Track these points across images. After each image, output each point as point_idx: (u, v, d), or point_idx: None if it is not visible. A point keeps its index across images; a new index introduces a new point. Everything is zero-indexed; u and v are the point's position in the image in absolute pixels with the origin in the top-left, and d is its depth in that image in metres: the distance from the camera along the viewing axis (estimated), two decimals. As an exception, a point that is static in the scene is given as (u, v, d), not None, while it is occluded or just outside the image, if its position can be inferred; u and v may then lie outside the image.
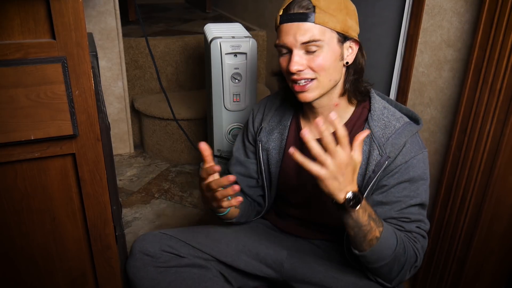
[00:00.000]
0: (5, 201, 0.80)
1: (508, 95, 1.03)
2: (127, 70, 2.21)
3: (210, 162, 0.86)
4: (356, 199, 0.78)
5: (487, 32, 1.05)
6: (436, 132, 1.29)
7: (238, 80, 1.58)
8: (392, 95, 1.42)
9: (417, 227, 0.91)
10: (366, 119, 0.94)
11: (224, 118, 1.65)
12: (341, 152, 0.73)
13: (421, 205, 0.91)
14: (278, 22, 0.89)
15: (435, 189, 1.29)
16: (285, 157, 1.04)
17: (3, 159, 0.76)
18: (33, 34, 0.71)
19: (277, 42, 0.90)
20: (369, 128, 0.92)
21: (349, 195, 0.77)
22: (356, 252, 0.86)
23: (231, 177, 0.83)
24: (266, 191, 1.10)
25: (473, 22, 1.12)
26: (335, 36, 0.87)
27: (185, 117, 2.09)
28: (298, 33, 0.85)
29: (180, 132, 2.10)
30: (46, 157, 0.80)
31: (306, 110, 1.01)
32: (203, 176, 0.87)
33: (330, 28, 0.86)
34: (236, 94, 1.60)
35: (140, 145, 2.38)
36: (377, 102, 0.95)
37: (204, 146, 0.85)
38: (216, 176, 0.87)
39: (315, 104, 0.95)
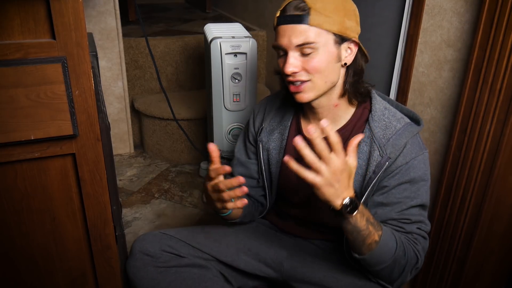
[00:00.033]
0: (5, 201, 0.80)
1: (508, 95, 1.03)
2: (127, 70, 2.21)
3: (217, 163, 0.86)
4: (353, 204, 0.78)
5: (487, 32, 1.05)
6: (436, 132, 1.29)
7: (238, 80, 1.58)
8: (392, 95, 1.42)
9: (418, 228, 0.90)
10: (367, 120, 0.94)
11: (224, 118, 1.65)
12: (336, 159, 0.73)
13: (421, 206, 0.91)
14: (275, 23, 0.89)
15: (435, 189, 1.29)
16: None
17: (3, 159, 0.76)
18: (33, 34, 0.71)
19: (274, 43, 0.90)
20: (370, 128, 0.92)
21: (346, 201, 0.77)
22: (356, 255, 0.86)
23: (241, 179, 0.83)
24: (267, 191, 1.10)
25: (473, 22, 1.12)
26: (331, 38, 0.86)
27: (185, 117, 2.09)
28: (293, 35, 0.85)
29: (180, 132, 2.10)
30: (46, 157, 0.80)
31: (307, 110, 1.01)
32: (211, 176, 0.87)
33: (325, 30, 0.85)
34: (236, 94, 1.60)
35: (140, 145, 2.38)
36: (378, 102, 0.95)
37: (213, 147, 0.85)
38: (222, 177, 0.87)
39: (314, 104, 0.95)
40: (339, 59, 0.89)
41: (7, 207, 0.81)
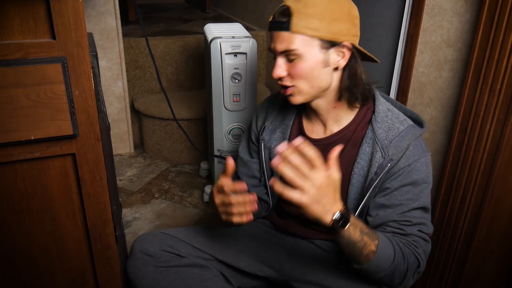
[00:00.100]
0: (5, 201, 0.80)
1: (508, 95, 1.03)
2: (127, 70, 2.21)
3: (230, 177, 0.87)
4: (344, 218, 0.76)
5: (487, 32, 1.05)
6: (436, 132, 1.30)
7: (238, 80, 1.58)
8: (392, 95, 1.42)
9: (419, 230, 0.89)
10: (370, 121, 0.93)
11: (224, 118, 1.65)
12: (317, 175, 0.71)
13: (424, 208, 0.90)
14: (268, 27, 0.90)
15: (435, 189, 1.29)
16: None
17: (3, 159, 0.76)
18: (33, 34, 0.71)
19: (268, 46, 0.92)
20: (373, 129, 0.92)
21: (336, 215, 0.75)
22: (355, 265, 0.85)
23: (254, 197, 0.85)
24: (268, 189, 1.10)
25: (473, 22, 1.12)
26: (316, 44, 0.85)
27: (185, 117, 2.09)
28: (277, 41, 0.87)
29: (180, 132, 2.10)
30: (46, 157, 0.80)
31: (308, 111, 1.01)
32: (227, 191, 0.87)
33: (309, 36, 0.84)
34: (236, 94, 1.60)
35: (140, 145, 2.38)
36: (382, 104, 0.94)
37: (231, 162, 0.86)
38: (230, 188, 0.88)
39: (313, 105, 0.95)
40: (326, 64, 0.87)
41: (7, 207, 0.81)
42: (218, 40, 1.53)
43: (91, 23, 1.95)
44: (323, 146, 0.97)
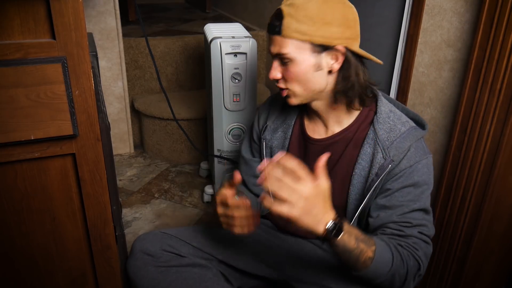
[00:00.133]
0: (5, 201, 0.80)
1: (508, 95, 1.03)
2: (127, 70, 2.21)
3: (234, 190, 0.88)
4: (338, 227, 0.75)
5: (487, 32, 1.05)
6: (436, 132, 1.30)
7: (238, 80, 1.58)
8: (392, 95, 1.42)
9: (419, 232, 0.88)
10: (372, 122, 0.93)
11: (224, 118, 1.65)
12: (303, 186, 0.70)
13: (425, 210, 0.89)
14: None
15: (435, 189, 1.29)
16: (288, 155, 1.04)
17: (3, 159, 0.76)
18: (33, 34, 0.71)
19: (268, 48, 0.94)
20: (374, 130, 0.91)
21: (329, 225, 0.74)
22: (353, 272, 0.84)
23: (258, 212, 0.86)
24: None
25: (473, 22, 1.12)
26: (307, 47, 0.85)
27: (185, 117, 2.09)
28: (272, 44, 0.89)
29: (180, 132, 2.10)
30: (46, 157, 0.80)
31: (309, 111, 1.01)
32: (232, 205, 0.87)
33: (300, 40, 0.84)
34: (236, 94, 1.60)
35: (140, 145, 2.38)
36: (384, 105, 0.94)
37: (238, 177, 0.87)
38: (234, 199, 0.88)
39: (312, 107, 0.96)
40: (318, 68, 0.87)
41: (7, 207, 0.81)
42: (218, 40, 1.53)
43: (91, 23, 1.95)
44: (325, 146, 0.97)
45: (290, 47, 0.85)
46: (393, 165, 0.87)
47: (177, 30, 2.59)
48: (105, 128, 0.84)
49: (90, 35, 1.31)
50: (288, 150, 1.03)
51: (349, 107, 0.93)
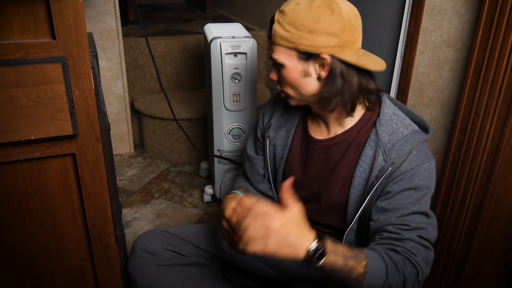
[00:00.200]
0: (5, 201, 0.80)
1: (508, 95, 1.03)
2: (127, 70, 2.21)
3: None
4: (320, 248, 0.72)
5: (487, 32, 1.05)
6: (436, 132, 1.30)
7: (238, 80, 1.58)
8: (392, 95, 1.42)
9: (419, 236, 0.84)
10: (374, 124, 0.93)
11: (224, 118, 1.65)
12: (270, 219, 0.69)
13: (425, 213, 0.87)
14: None
15: (435, 189, 1.29)
16: (290, 154, 1.04)
17: (3, 159, 0.76)
18: (33, 34, 0.71)
19: None
20: (376, 132, 0.91)
21: (312, 247, 0.72)
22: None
23: None
24: (272, 185, 1.10)
25: (473, 22, 1.12)
26: (293, 54, 0.86)
27: (185, 117, 2.09)
28: (269, 48, 0.92)
29: (180, 132, 2.10)
30: (46, 157, 0.80)
31: (312, 112, 1.01)
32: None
33: (286, 47, 0.87)
34: (236, 94, 1.60)
35: (140, 145, 2.38)
36: (387, 107, 0.93)
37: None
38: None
39: (312, 108, 0.97)
40: (306, 74, 0.88)
41: (7, 207, 0.81)
42: (218, 40, 1.53)
43: (91, 23, 1.95)
44: (327, 147, 0.97)
45: (280, 53, 0.88)
46: (393, 167, 0.87)
47: (177, 30, 2.59)
48: (105, 128, 0.84)
49: (90, 35, 1.31)
50: (290, 150, 1.03)
51: (346, 109, 0.92)
